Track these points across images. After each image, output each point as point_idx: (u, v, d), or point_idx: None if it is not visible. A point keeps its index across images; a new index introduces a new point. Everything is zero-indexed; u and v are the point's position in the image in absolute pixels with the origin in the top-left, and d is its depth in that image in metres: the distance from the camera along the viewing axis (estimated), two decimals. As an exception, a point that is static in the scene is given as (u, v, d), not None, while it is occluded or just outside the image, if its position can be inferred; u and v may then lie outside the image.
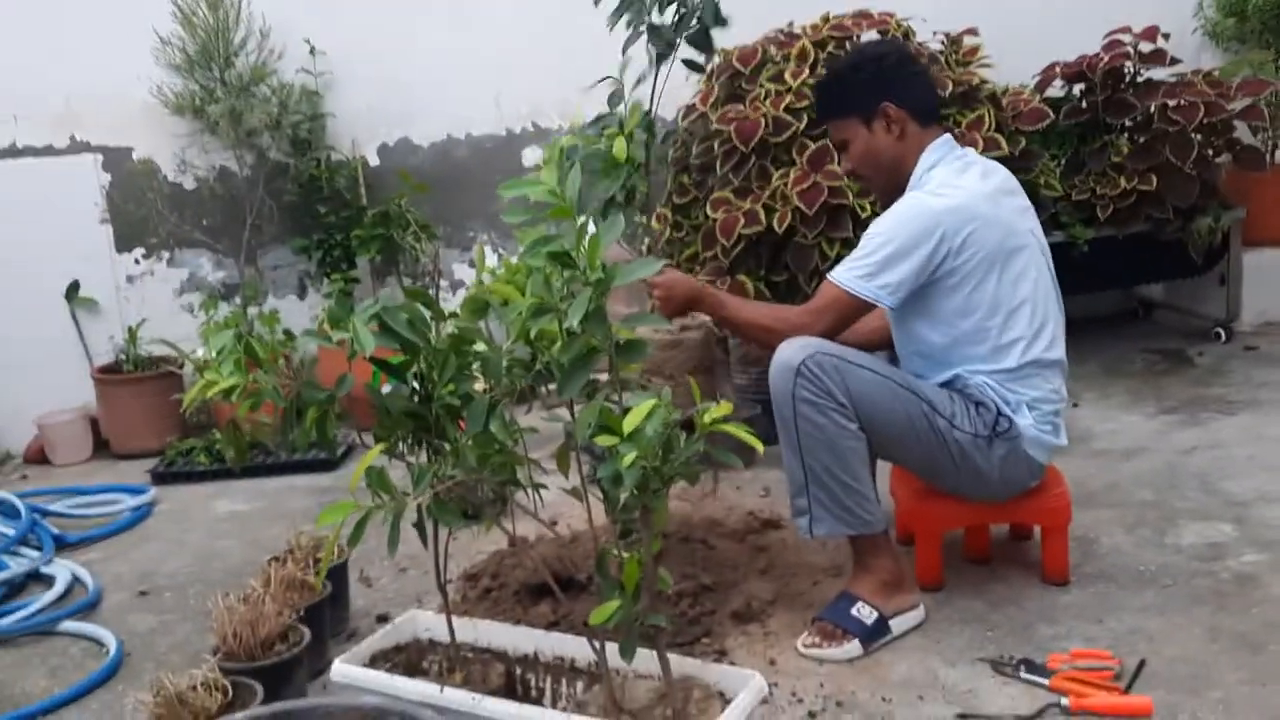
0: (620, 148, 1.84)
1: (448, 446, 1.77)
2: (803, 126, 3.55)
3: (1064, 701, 1.93)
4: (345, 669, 1.95)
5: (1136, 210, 3.87)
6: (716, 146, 3.64)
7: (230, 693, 1.86)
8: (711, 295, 2.33)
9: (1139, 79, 4.01)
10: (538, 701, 1.97)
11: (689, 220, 3.84)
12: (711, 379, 2.49)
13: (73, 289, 4.19)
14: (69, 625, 2.59)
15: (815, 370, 2.12)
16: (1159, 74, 4.01)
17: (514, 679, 2.01)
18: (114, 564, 3.00)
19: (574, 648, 1.96)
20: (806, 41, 3.76)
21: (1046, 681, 1.99)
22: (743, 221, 3.50)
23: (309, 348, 2.76)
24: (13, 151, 4.18)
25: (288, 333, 4.23)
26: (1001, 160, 2.54)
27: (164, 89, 4.09)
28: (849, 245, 3.39)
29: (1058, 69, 4.09)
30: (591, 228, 1.56)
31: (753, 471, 3.15)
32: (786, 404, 2.15)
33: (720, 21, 2.31)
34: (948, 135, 2.32)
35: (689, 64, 2.34)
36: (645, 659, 1.74)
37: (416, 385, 1.79)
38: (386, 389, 1.79)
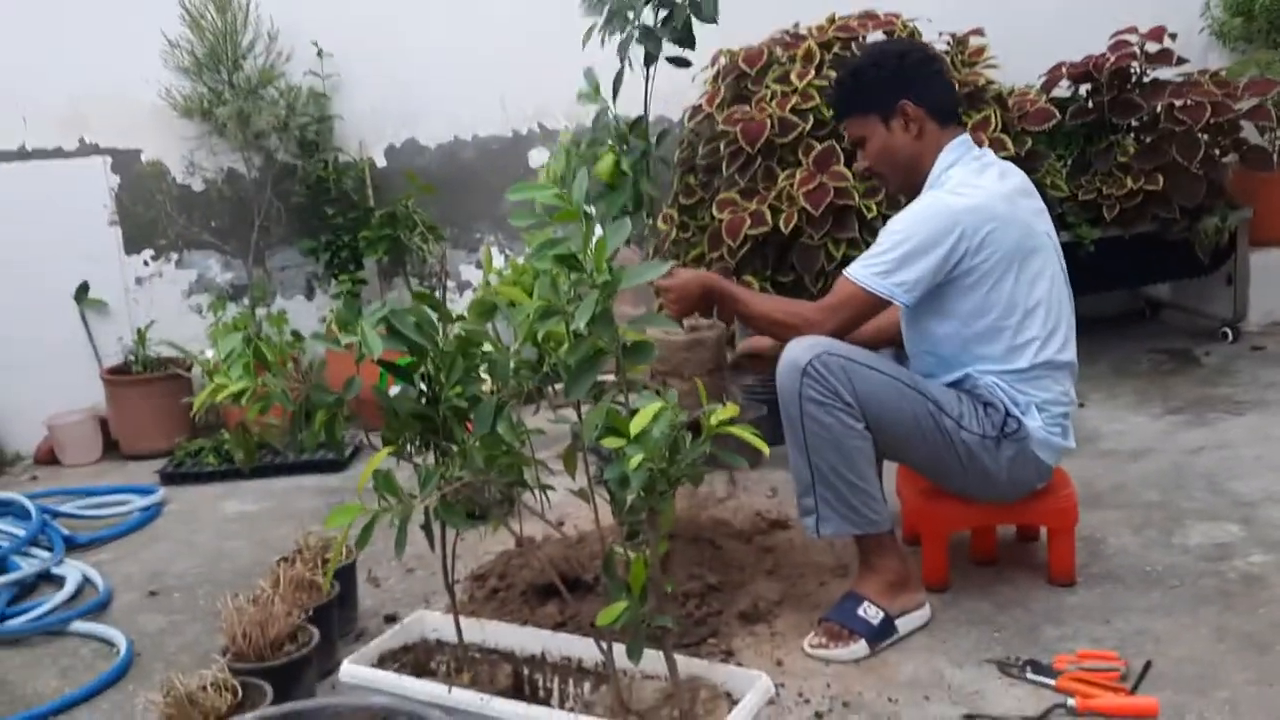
0: (606, 167, 1.85)
1: (455, 448, 1.78)
2: (809, 127, 3.56)
3: (1070, 702, 1.93)
4: (354, 669, 1.96)
5: (1143, 210, 3.86)
6: (723, 147, 3.65)
7: (240, 693, 1.87)
8: (726, 287, 2.34)
9: (1145, 79, 4.00)
10: (545, 702, 1.98)
11: (695, 221, 3.85)
12: (721, 379, 2.49)
13: (82, 290, 4.21)
14: (79, 626, 2.60)
15: (822, 370, 2.13)
16: (1165, 74, 4.01)
17: (521, 679, 2.01)
18: (124, 564, 3.02)
19: (581, 648, 1.97)
20: (812, 43, 3.77)
21: (1053, 682, 2.00)
22: (749, 222, 3.50)
23: (317, 350, 2.75)
24: (22, 154, 4.19)
25: (296, 334, 4.24)
26: (1007, 160, 2.53)
27: (172, 91, 4.10)
28: (855, 246, 3.40)
29: (1064, 69, 4.08)
30: (598, 230, 1.57)
31: (760, 472, 3.15)
32: (793, 403, 2.15)
33: (711, 16, 2.29)
34: (966, 135, 2.33)
35: (674, 60, 2.33)
36: (652, 659, 1.75)
37: (424, 387, 1.80)
38: (394, 391, 1.80)
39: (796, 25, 3.98)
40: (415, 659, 2.07)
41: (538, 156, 4.46)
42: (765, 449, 1.61)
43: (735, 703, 1.74)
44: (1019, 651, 2.13)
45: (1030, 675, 2.03)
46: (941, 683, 2.06)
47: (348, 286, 4.19)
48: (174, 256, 4.36)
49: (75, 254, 4.19)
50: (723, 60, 3.91)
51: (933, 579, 2.39)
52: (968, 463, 2.22)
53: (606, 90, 2.26)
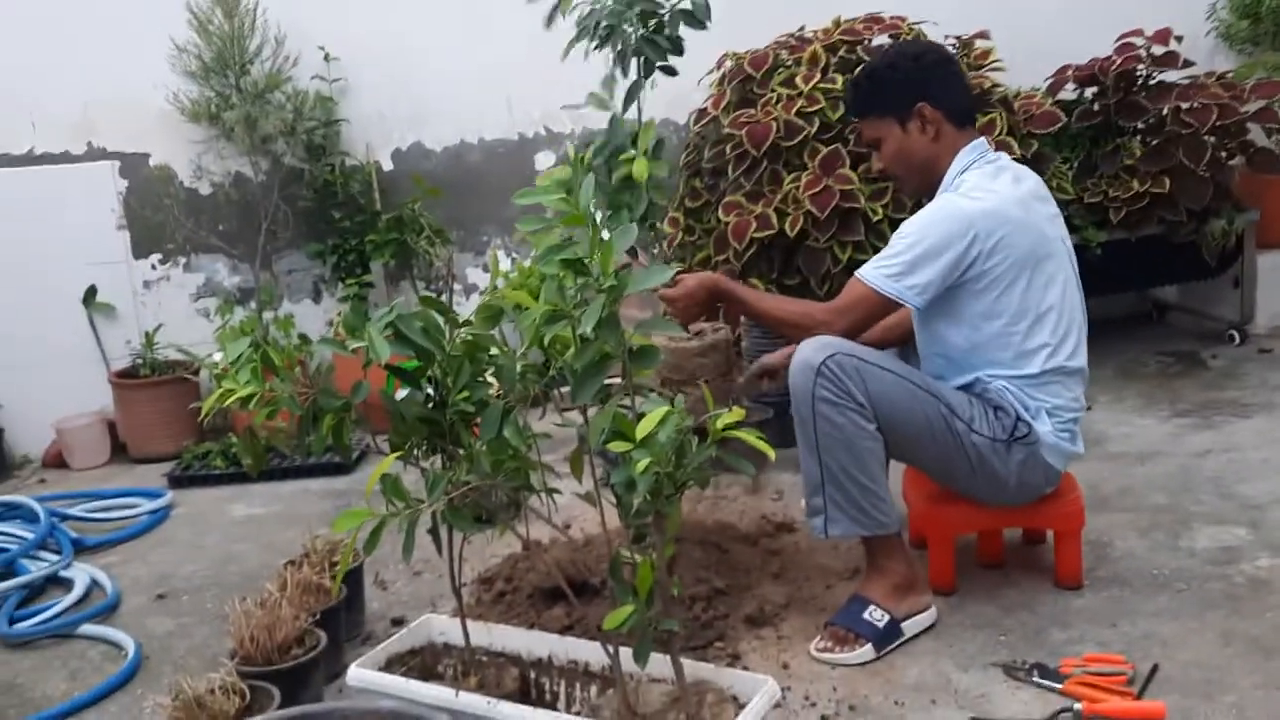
0: (641, 169, 1.85)
1: (462, 452, 1.78)
2: (814, 131, 3.57)
3: (1077, 706, 1.93)
4: (361, 673, 1.96)
5: (1149, 213, 3.86)
6: (728, 150, 3.65)
7: (248, 696, 1.88)
8: (732, 288, 2.34)
9: (1151, 82, 4.00)
10: (552, 705, 1.98)
11: (701, 224, 3.86)
12: (730, 382, 2.50)
13: (90, 294, 4.22)
14: (88, 628, 2.61)
15: (835, 370, 2.13)
16: (1172, 76, 4.00)
17: (528, 683, 2.02)
18: (132, 567, 3.03)
19: (588, 652, 1.97)
20: (818, 46, 3.77)
21: (1059, 686, 2.00)
22: (755, 225, 3.51)
23: (324, 354, 2.77)
24: (31, 158, 4.22)
25: (303, 337, 4.26)
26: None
27: (180, 96, 4.12)
28: (861, 249, 3.41)
29: (1070, 72, 4.08)
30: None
31: (766, 475, 3.15)
32: (806, 403, 2.15)
33: (702, 23, 2.28)
34: (982, 139, 2.32)
35: (664, 69, 2.32)
36: (659, 663, 1.75)
37: (431, 391, 1.81)
38: (401, 395, 1.81)
39: (802, 28, 3.99)
40: (422, 662, 2.08)
41: (544, 160, 4.47)
42: (771, 453, 1.61)
43: (742, 706, 1.75)
44: (1025, 655, 2.13)
45: (1037, 679, 2.03)
46: (947, 686, 2.06)
47: (355, 290, 4.20)
48: (182, 260, 4.38)
49: (84, 258, 4.21)
50: (728, 63, 3.92)
51: (939, 582, 2.39)
52: (977, 465, 2.22)
53: (616, 100, 2.27)
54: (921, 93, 2.27)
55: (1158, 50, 3.95)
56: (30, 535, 3.09)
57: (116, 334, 4.27)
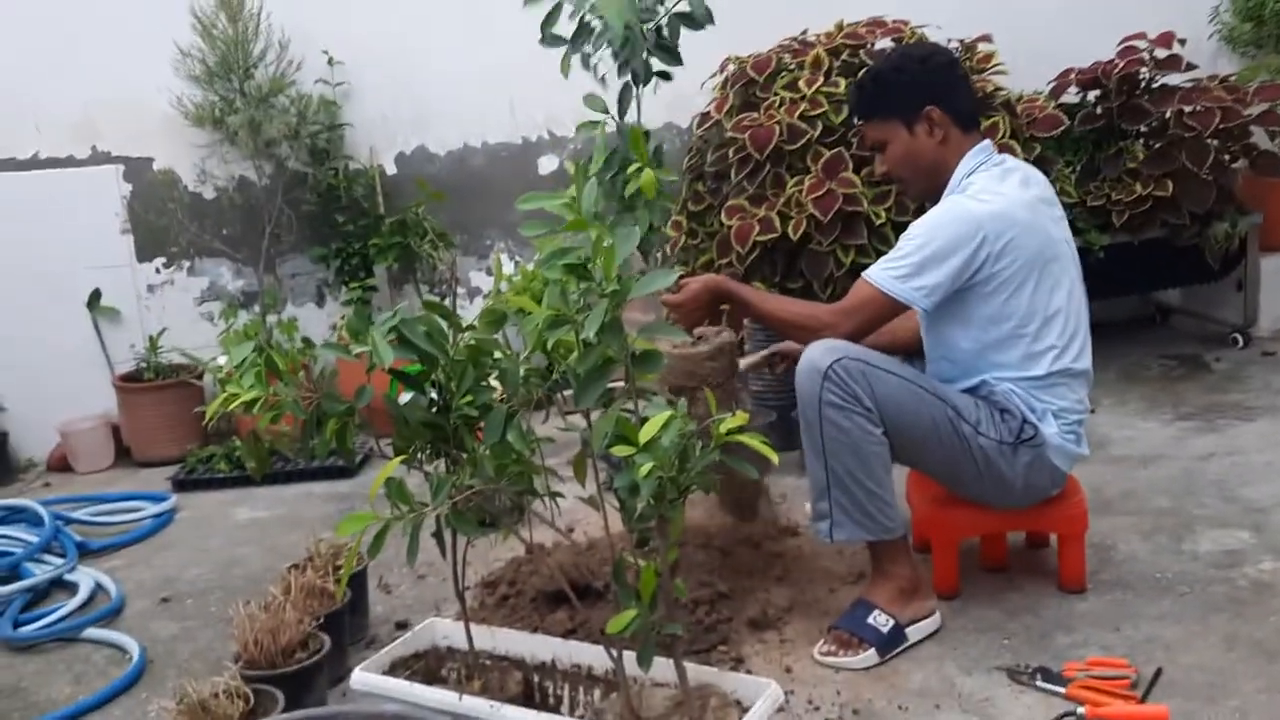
0: (650, 182, 1.85)
1: (465, 456, 1.79)
2: (817, 134, 3.57)
3: (1080, 710, 1.93)
4: (365, 677, 1.97)
5: (1152, 216, 3.86)
6: (731, 154, 3.65)
7: (252, 700, 1.88)
8: (735, 289, 2.34)
9: (1154, 85, 4.00)
10: (555, 709, 1.99)
11: (704, 227, 3.86)
12: (733, 386, 2.51)
13: (94, 298, 4.23)
14: (92, 632, 2.61)
15: (842, 374, 2.13)
16: (1174, 80, 4.01)
17: (532, 687, 2.02)
18: (136, 571, 3.03)
19: (591, 655, 1.98)
20: (821, 50, 3.78)
21: (1063, 690, 2.00)
22: (758, 229, 3.51)
23: (328, 358, 2.79)
24: (35, 162, 4.22)
25: (306, 340, 4.28)
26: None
27: (184, 100, 4.13)
28: (864, 252, 3.41)
29: (1072, 75, 4.08)
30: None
31: (769, 478, 3.14)
32: (813, 407, 2.15)
33: (703, 23, 2.27)
34: (987, 141, 2.33)
35: (660, 74, 2.32)
36: (662, 667, 1.75)
37: (434, 396, 1.81)
38: (404, 399, 1.81)
39: (805, 32, 3.99)
40: (426, 666, 2.08)
41: (547, 163, 4.48)
42: (775, 458, 1.61)
43: (745, 710, 1.75)
44: (1029, 659, 2.13)
45: (1040, 683, 2.03)
46: (951, 691, 2.06)
47: (358, 294, 4.21)
48: (185, 264, 4.38)
49: (88, 262, 4.21)
50: (731, 67, 3.92)
51: (943, 586, 2.39)
52: (984, 468, 2.22)
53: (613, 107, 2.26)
54: (929, 96, 2.26)
55: (1160, 53, 3.95)
56: (35, 539, 3.10)
57: (121, 338, 4.28)
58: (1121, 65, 3.92)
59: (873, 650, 2.17)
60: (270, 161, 4.24)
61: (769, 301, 2.39)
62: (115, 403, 4.14)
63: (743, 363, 2.66)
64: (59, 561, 3.01)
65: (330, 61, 4.20)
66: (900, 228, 2.38)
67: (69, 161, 4.25)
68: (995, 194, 2.20)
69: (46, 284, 4.14)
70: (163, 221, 4.32)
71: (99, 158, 4.27)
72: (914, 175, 2.34)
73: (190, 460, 3.86)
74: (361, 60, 4.25)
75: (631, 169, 1.88)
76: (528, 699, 1.98)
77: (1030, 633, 2.23)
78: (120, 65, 4.11)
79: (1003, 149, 3.47)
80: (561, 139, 4.47)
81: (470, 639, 2.01)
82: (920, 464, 2.34)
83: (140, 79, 4.11)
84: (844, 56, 3.76)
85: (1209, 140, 3.80)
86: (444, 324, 1.76)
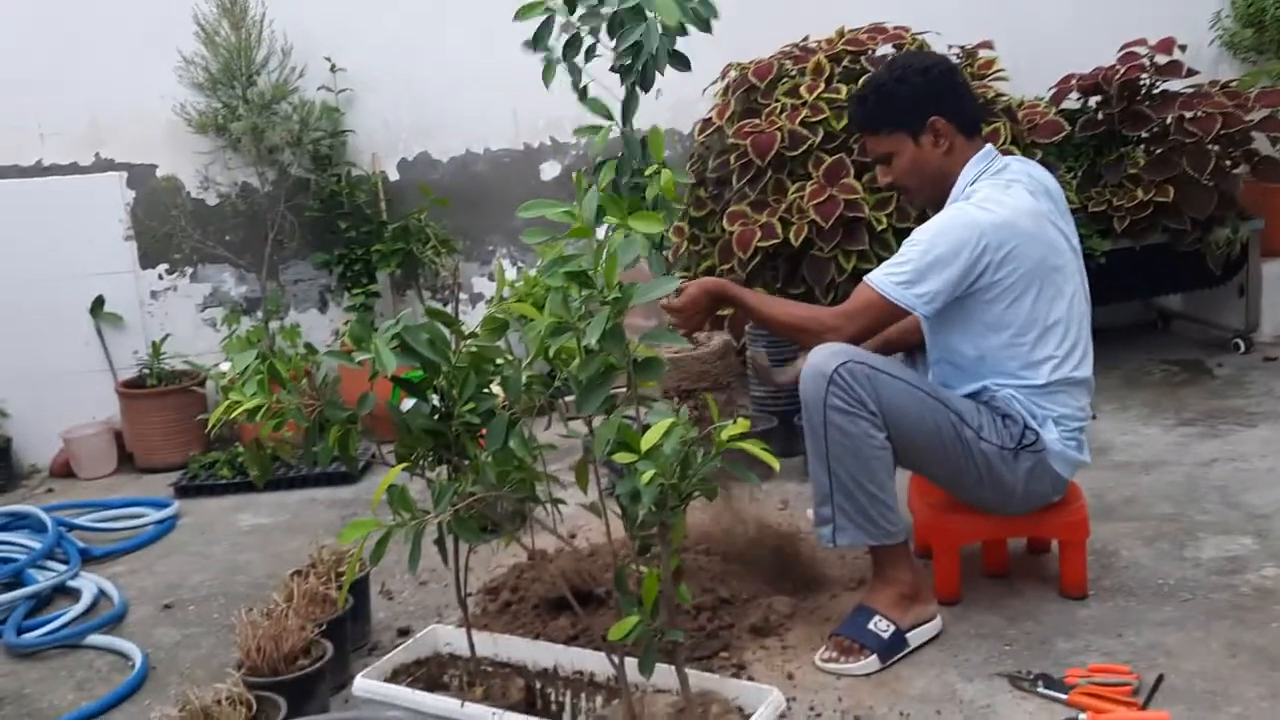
0: (668, 183, 1.86)
1: (468, 463, 1.79)
2: (819, 140, 3.58)
3: (1082, 717, 1.93)
4: (367, 684, 1.97)
5: (1154, 221, 3.86)
6: (733, 160, 3.66)
7: (254, 707, 1.88)
8: (736, 291, 2.34)
9: (1155, 91, 4.01)
10: (557, 716, 1.99)
11: (706, 233, 3.87)
12: (729, 390, 2.51)
13: (98, 304, 4.24)
14: (95, 639, 2.62)
15: (848, 378, 2.13)
16: (1175, 85, 4.01)
17: (534, 693, 2.02)
18: (139, 577, 3.04)
19: (593, 662, 1.98)
20: (822, 56, 3.79)
21: (1064, 696, 2.00)
22: (759, 234, 3.52)
23: (331, 365, 2.79)
24: (39, 169, 4.23)
25: (309, 346, 4.26)
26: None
27: (187, 107, 4.14)
28: (865, 258, 3.41)
29: (1073, 81, 4.09)
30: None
31: (771, 484, 3.15)
32: (817, 410, 2.16)
33: (706, 22, 2.25)
34: (989, 146, 2.33)
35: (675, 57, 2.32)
36: (664, 674, 1.75)
37: (437, 402, 1.81)
38: (407, 406, 1.82)
39: (806, 39, 4.00)
40: (428, 673, 2.08)
41: (549, 170, 4.49)
42: (776, 465, 1.61)
43: (747, 717, 1.75)
44: (1030, 665, 2.12)
45: (1042, 689, 2.03)
46: (953, 697, 2.06)
47: (361, 299, 4.22)
48: (189, 270, 4.39)
49: (91, 268, 4.22)
50: (732, 73, 3.93)
51: (944, 592, 2.39)
52: (986, 474, 2.22)
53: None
54: (933, 107, 2.26)
55: (1161, 59, 3.96)
56: (38, 545, 3.10)
57: (124, 344, 4.28)
58: (1122, 71, 3.93)
59: (874, 657, 2.17)
60: (273, 168, 4.25)
61: (769, 304, 2.38)
62: (118, 409, 4.15)
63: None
64: (62, 568, 3.01)
65: (333, 68, 4.21)
66: (902, 233, 2.38)
67: (73, 169, 4.26)
68: (999, 203, 2.20)
69: (50, 290, 4.15)
70: (166, 228, 4.33)
71: (102, 165, 4.28)
72: (920, 185, 2.34)
73: (193, 466, 3.86)
74: (364, 67, 4.26)
75: (650, 170, 1.88)
76: (530, 706, 1.98)
77: (1031, 639, 2.23)
78: (124, 73, 4.13)
79: (1004, 154, 3.50)
80: (564, 145, 4.48)
81: (472, 645, 2.01)
82: (923, 468, 2.34)
83: (144, 86, 4.13)
84: (845, 63, 3.77)
85: (1210, 146, 3.80)
86: (446, 331, 1.77)
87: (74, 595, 2.87)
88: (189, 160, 4.28)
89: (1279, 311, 4.26)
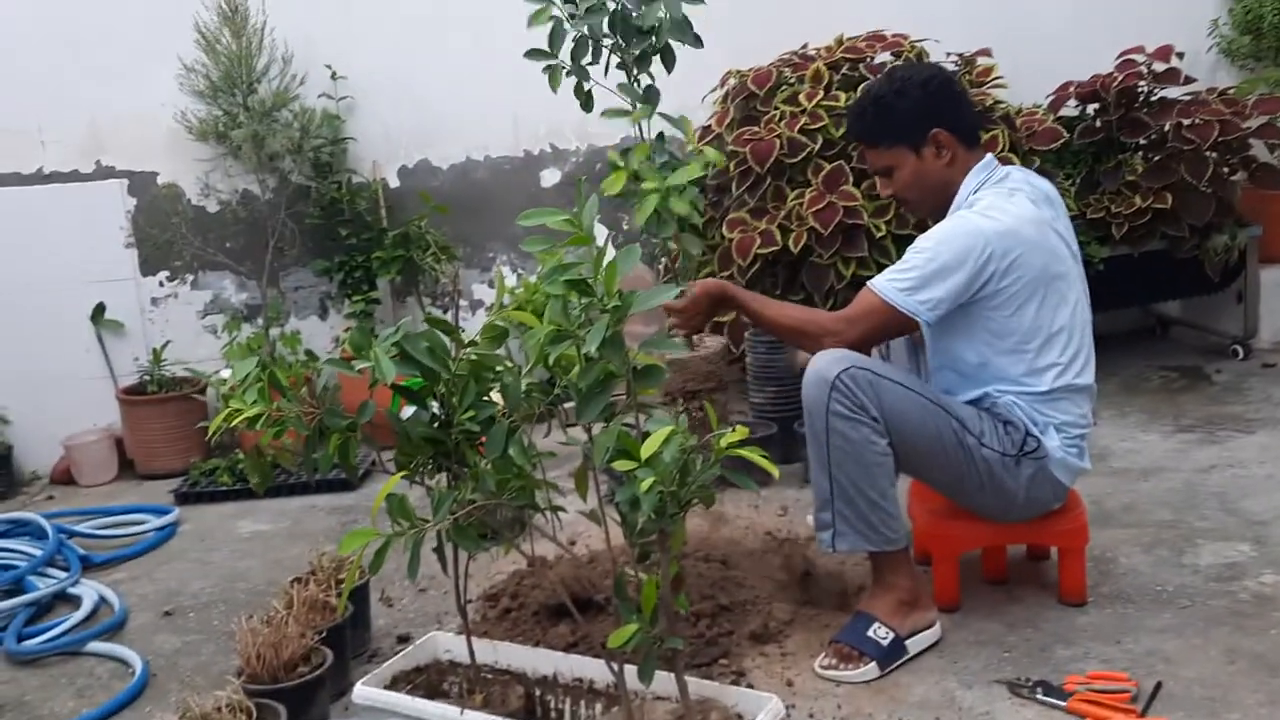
0: (717, 156, 1.88)
1: (467, 470, 1.80)
2: (818, 148, 3.59)
3: (1081, 723, 1.93)
4: (367, 691, 1.97)
5: (1152, 228, 3.87)
6: (732, 167, 3.67)
7: (254, 714, 1.89)
8: (737, 293, 2.34)
9: (1153, 98, 4.02)
10: (557, 723, 1.99)
11: (705, 240, 3.87)
12: (726, 395, 2.52)
13: (98, 311, 4.24)
14: (96, 646, 2.62)
15: (850, 384, 2.14)
16: (1173, 93, 4.02)
17: (533, 700, 2.02)
18: (139, 584, 3.04)
19: (593, 669, 1.98)
20: (821, 64, 3.80)
21: (1063, 703, 2.00)
22: (759, 241, 3.53)
23: (331, 374, 2.79)
24: (40, 177, 4.24)
25: (309, 353, 4.29)
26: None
27: (188, 115, 4.15)
28: (864, 265, 3.42)
29: (1071, 89, 4.10)
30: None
31: (770, 490, 3.16)
32: (820, 416, 2.16)
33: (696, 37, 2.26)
34: (990, 155, 2.33)
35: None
36: (663, 681, 1.76)
37: (436, 410, 1.82)
38: (406, 414, 1.82)
39: (805, 46, 4.01)
40: (428, 680, 2.08)
41: (550, 177, 4.50)
42: (776, 472, 1.62)
43: (746, 724, 1.75)
44: (1029, 672, 2.13)
45: (1041, 696, 2.03)
46: (952, 704, 2.06)
47: (361, 307, 4.22)
48: (189, 277, 4.40)
49: (92, 275, 4.23)
50: (731, 81, 3.95)
51: (944, 599, 2.39)
52: (987, 480, 2.23)
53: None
54: (934, 119, 2.26)
55: (1159, 67, 3.97)
56: (38, 552, 3.10)
57: (124, 351, 4.29)
58: (1120, 79, 3.94)
59: (873, 664, 2.17)
60: (274, 175, 4.26)
61: (771, 307, 2.38)
62: (119, 416, 4.15)
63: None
64: (62, 575, 3.01)
65: (333, 76, 4.22)
66: (901, 240, 2.38)
67: (74, 176, 4.27)
68: (1004, 210, 2.21)
69: (51, 297, 4.15)
70: (167, 235, 4.34)
71: (104, 172, 4.28)
72: (922, 196, 2.34)
73: (193, 473, 3.87)
74: (365, 74, 4.27)
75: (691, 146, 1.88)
76: (529, 713, 1.99)
77: (1031, 646, 2.24)
78: (125, 80, 4.14)
79: (1003, 162, 3.50)
80: (564, 152, 4.49)
81: (472, 653, 2.01)
82: (924, 475, 2.35)
83: (144, 94, 4.14)
84: (844, 70, 3.79)
85: (1208, 153, 3.81)
86: (446, 339, 1.77)
87: (74, 602, 2.87)
88: (190, 168, 4.28)
89: (1277, 318, 4.27)
